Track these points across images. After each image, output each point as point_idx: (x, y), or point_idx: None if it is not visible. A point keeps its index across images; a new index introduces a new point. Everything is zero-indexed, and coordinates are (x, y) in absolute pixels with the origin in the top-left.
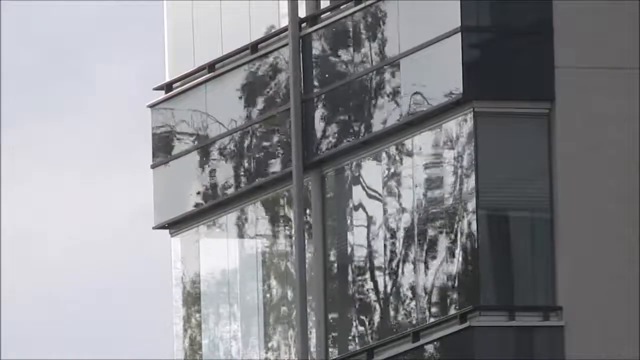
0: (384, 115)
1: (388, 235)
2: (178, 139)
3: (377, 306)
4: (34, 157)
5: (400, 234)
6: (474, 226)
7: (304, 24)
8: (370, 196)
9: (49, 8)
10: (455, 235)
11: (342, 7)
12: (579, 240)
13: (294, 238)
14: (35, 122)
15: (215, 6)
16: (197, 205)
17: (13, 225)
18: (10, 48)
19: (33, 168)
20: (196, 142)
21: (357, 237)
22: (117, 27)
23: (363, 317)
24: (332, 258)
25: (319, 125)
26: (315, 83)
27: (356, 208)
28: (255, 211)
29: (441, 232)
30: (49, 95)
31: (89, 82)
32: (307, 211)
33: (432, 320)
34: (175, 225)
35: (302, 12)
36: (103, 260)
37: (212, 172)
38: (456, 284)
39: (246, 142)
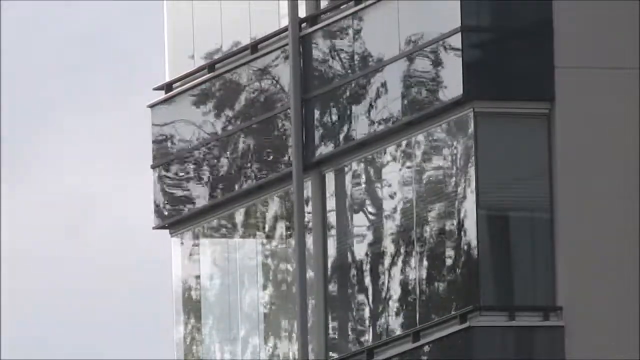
0: (384, 115)
1: (388, 235)
2: (178, 139)
3: (377, 306)
4: (33, 158)
5: (400, 234)
6: (474, 226)
7: (304, 24)
8: (370, 196)
9: (48, 8)
10: (455, 235)
11: (342, 7)
12: (579, 240)
13: (294, 238)
14: (32, 122)
15: (216, 6)
16: (197, 205)
17: (12, 225)
18: (11, 48)
19: (32, 168)
20: (196, 142)
21: (357, 237)
22: (116, 27)
23: (363, 317)
24: (332, 258)
25: (318, 125)
26: (315, 83)
27: (356, 208)
28: (255, 211)
29: (441, 232)
30: (46, 96)
31: (87, 82)
32: (307, 211)
33: (432, 320)
34: (175, 225)
35: (302, 12)
36: (102, 260)
37: (212, 172)
38: (456, 284)
39: (246, 142)
